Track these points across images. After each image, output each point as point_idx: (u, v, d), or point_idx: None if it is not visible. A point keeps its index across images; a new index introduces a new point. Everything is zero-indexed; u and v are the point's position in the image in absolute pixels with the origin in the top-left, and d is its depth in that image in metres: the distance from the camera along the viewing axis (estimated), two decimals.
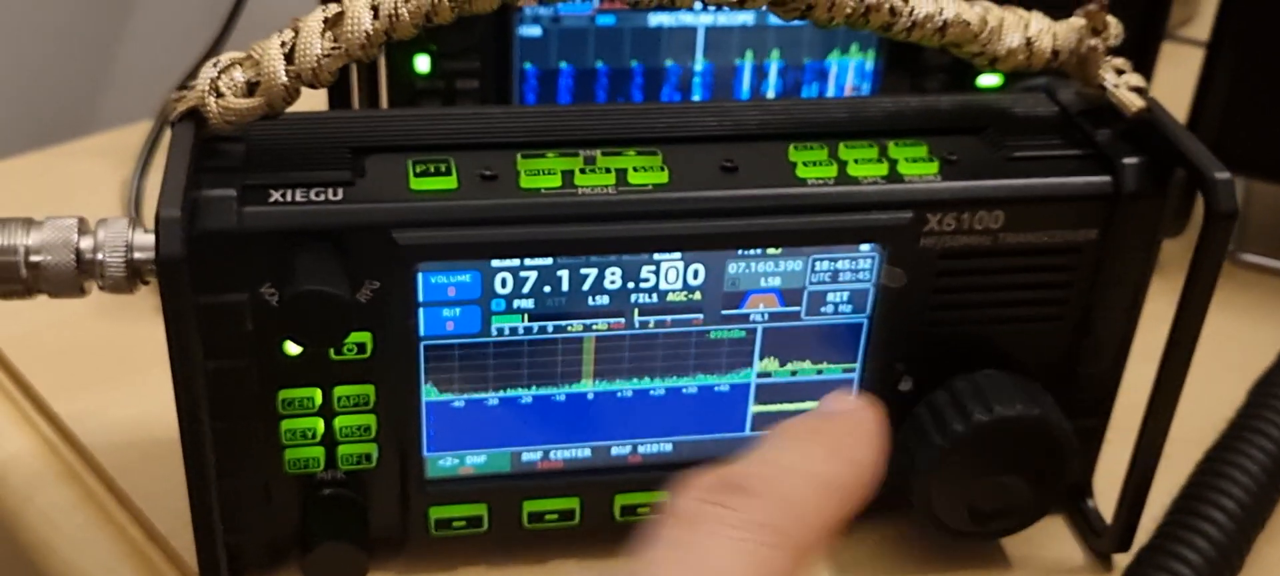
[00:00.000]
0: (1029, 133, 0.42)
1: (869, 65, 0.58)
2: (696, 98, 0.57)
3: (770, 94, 0.58)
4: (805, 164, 0.40)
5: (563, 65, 0.55)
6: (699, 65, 0.57)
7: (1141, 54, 0.59)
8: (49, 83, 0.83)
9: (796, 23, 0.56)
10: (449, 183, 0.38)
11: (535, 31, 0.55)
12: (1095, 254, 0.42)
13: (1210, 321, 0.49)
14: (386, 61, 0.54)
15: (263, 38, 0.38)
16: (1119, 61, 0.42)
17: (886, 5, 0.38)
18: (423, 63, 0.54)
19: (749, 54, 0.57)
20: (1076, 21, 0.41)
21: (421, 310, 0.39)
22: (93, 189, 0.64)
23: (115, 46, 0.85)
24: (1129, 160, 0.41)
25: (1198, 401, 0.46)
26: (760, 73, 0.57)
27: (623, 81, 0.56)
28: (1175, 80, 0.63)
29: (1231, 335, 0.56)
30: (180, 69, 0.69)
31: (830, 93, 0.58)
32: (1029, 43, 0.41)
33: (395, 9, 0.36)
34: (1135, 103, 0.41)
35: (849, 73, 0.58)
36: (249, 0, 0.69)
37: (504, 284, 0.39)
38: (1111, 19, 0.41)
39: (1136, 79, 0.42)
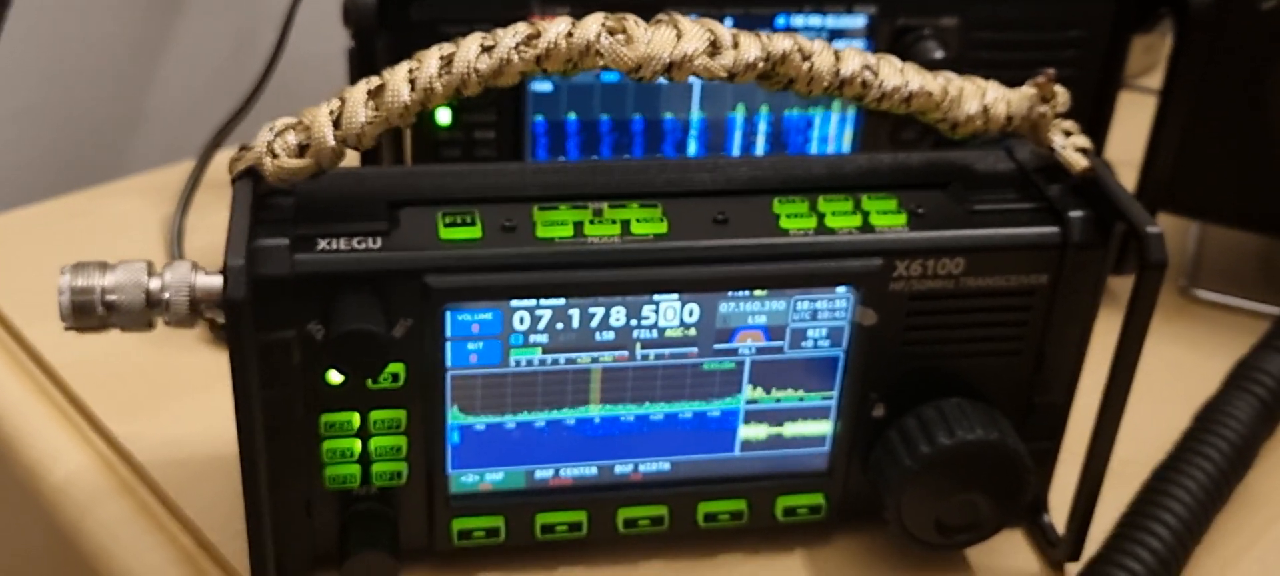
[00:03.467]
0: (988, 187, 0.48)
1: (850, 116, 0.63)
2: (693, 147, 0.63)
3: (760, 141, 0.63)
4: (788, 216, 0.45)
5: (570, 117, 0.61)
6: (695, 117, 0.62)
7: (1099, 107, 0.65)
8: (83, 125, 0.87)
9: None
10: (474, 232, 0.44)
11: (546, 87, 0.60)
12: (1047, 296, 0.47)
13: (1163, 352, 0.54)
14: None
15: (284, 87, 0.42)
16: (1067, 124, 0.47)
17: (858, 79, 0.44)
18: (444, 115, 0.59)
19: (741, 106, 0.62)
20: (1028, 90, 0.46)
21: (448, 344, 0.44)
22: (135, 227, 0.69)
23: (145, 89, 0.89)
24: (1076, 214, 0.46)
25: (1151, 425, 0.51)
26: (751, 123, 0.63)
27: (625, 132, 0.61)
28: (1137, 126, 0.68)
29: (1184, 365, 0.61)
30: (207, 110, 0.74)
31: (814, 140, 0.64)
32: (985, 110, 0.46)
33: (430, 83, 0.41)
34: (1080, 162, 0.46)
35: (832, 122, 0.63)
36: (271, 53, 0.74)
37: (522, 321, 0.44)
38: (1059, 88, 0.46)
39: (1082, 140, 0.47)
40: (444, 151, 0.60)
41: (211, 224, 0.68)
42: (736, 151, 0.63)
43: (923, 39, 0.60)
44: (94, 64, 0.86)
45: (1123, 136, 0.67)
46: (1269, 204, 0.65)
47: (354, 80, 0.57)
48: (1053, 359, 0.48)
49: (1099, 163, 0.47)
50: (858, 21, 0.61)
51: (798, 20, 0.60)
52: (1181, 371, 0.59)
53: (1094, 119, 0.65)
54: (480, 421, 0.46)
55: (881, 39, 0.61)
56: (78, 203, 0.72)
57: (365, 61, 0.56)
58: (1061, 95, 0.46)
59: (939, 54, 0.60)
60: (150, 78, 0.89)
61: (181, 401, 0.56)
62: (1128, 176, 0.67)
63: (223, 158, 0.73)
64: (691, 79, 0.60)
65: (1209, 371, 0.57)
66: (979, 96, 0.46)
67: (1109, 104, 0.65)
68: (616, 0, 0.58)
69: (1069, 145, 0.47)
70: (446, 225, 0.44)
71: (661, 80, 0.60)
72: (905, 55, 0.61)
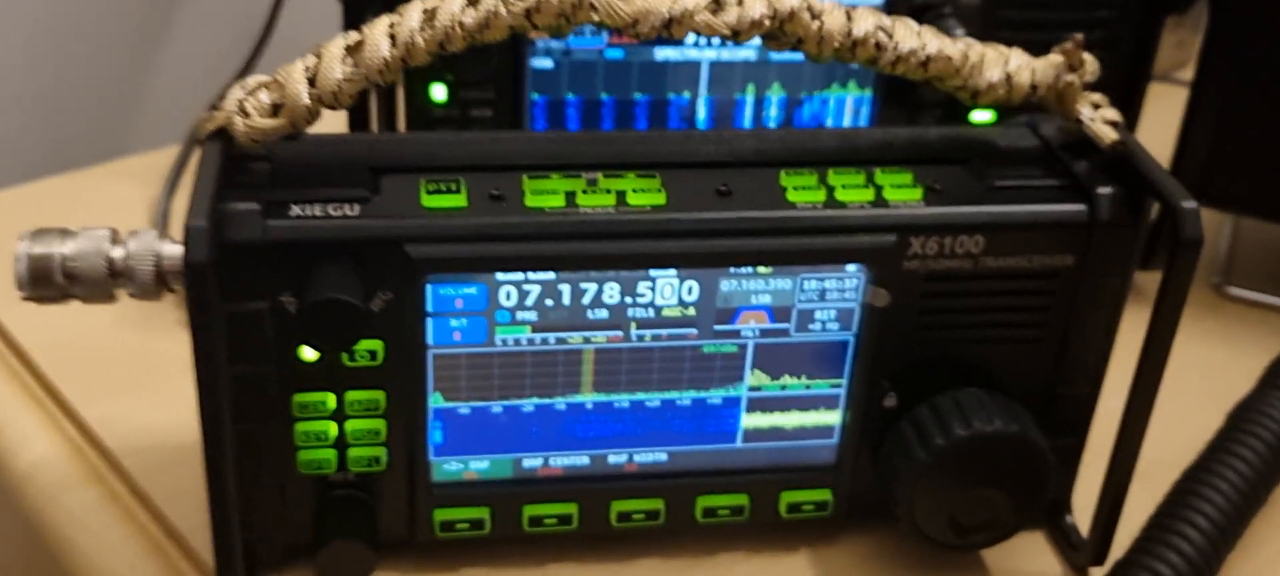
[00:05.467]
0: (1011, 163, 0.45)
1: (866, 101, 0.60)
2: (699, 128, 0.60)
3: (770, 126, 0.60)
4: (795, 189, 0.42)
5: (571, 96, 0.58)
6: (702, 97, 0.59)
7: (1128, 93, 0.62)
8: (81, 108, 0.86)
9: (794, 59, 0.59)
10: (459, 200, 0.41)
11: (547, 64, 0.57)
12: (1072, 279, 0.44)
13: (1195, 351, 0.50)
14: (405, 90, 0.57)
15: (288, 64, 0.40)
16: (1096, 97, 0.45)
17: (872, 40, 0.41)
18: (439, 92, 0.57)
19: (751, 88, 0.59)
20: (1054, 58, 0.43)
21: (430, 320, 0.41)
22: (122, 209, 0.67)
23: (146, 73, 0.88)
24: (1104, 190, 0.43)
25: (1181, 426, 0.48)
26: (760, 106, 0.60)
27: (628, 112, 0.59)
28: (1167, 120, 0.65)
29: (1215, 364, 0.58)
30: (208, 96, 0.72)
31: (827, 125, 0.61)
32: (1009, 77, 0.43)
33: (411, 37, 0.39)
34: (1109, 135, 0.43)
35: (846, 107, 0.60)
36: (275, 33, 0.72)
37: (508, 297, 0.42)
38: (1087, 56, 0.43)
39: (1112, 113, 0.44)
40: (438, 129, 0.57)
41: None
42: None
43: (943, 17, 0.57)
44: (90, 50, 0.85)
45: (1152, 130, 0.64)
46: None
47: None
48: (1078, 347, 0.45)
49: (1130, 137, 0.44)
50: None
51: None
52: (1213, 370, 0.57)
53: (1123, 107, 0.61)
54: (464, 405, 0.43)
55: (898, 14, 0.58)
56: (64, 184, 0.70)
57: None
58: (1090, 63, 0.43)
59: (960, 33, 0.57)
60: (148, 63, 0.87)
61: (157, 387, 0.53)
62: None
63: None
64: (699, 56, 0.58)
65: (1242, 371, 0.55)
66: (1001, 63, 0.43)
67: (1139, 91, 0.62)
68: None
69: (1098, 118, 0.44)
70: (429, 192, 0.41)
71: (666, 52, 0.58)
72: None
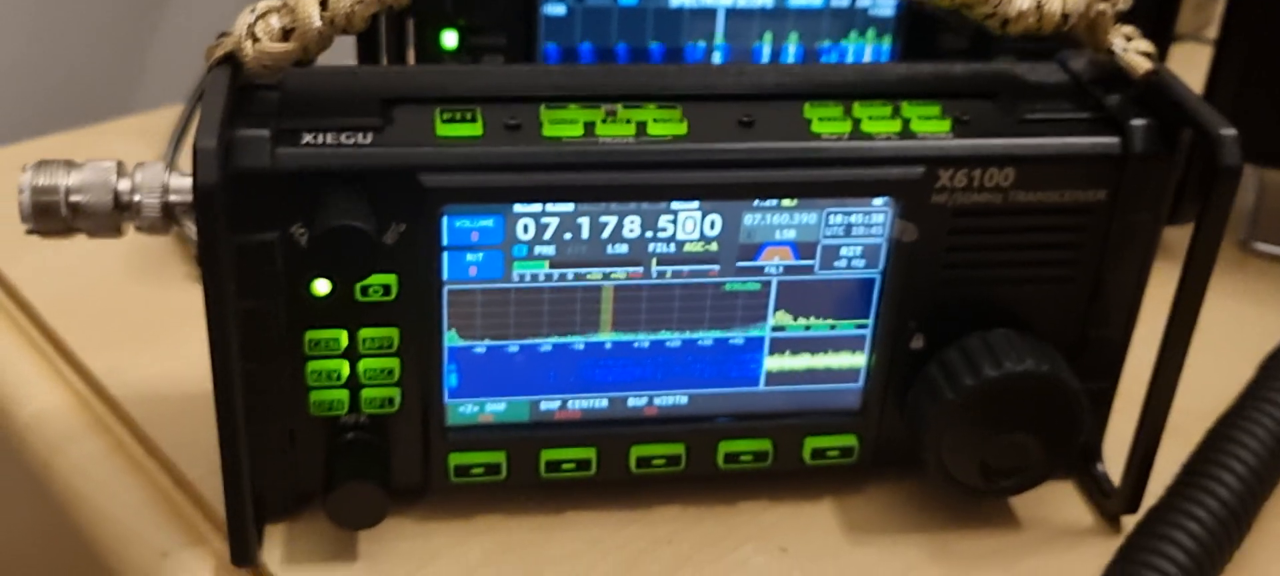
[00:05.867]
0: (1041, 97, 0.43)
1: (886, 49, 0.59)
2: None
3: None
4: (820, 120, 0.41)
5: (584, 44, 0.57)
6: (718, 47, 0.58)
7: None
8: (90, 68, 0.85)
9: (813, 5, 0.58)
10: (474, 130, 0.40)
11: (560, 10, 0.56)
12: (1105, 215, 0.43)
13: (1223, 307, 0.49)
14: (415, 37, 0.55)
15: None
16: (1128, 28, 0.43)
17: None
18: (450, 39, 0.55)
19: (768, 36, 0.58)
20: None
21: (445, 254, 0.40)
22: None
23: (153, 35, 0.87)
24: (1137, 122, 0.42)
25: (1210, 381, 0.47)
26: (778, 56, 0.58)
27: (642, 60, 0.57)
28: (1191, 81, 0.64)
29: (1244, 320, 0.57)
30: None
31: None
32: (1039, 6, 0.42)
33: None
34: (1142, 65, 0.42)
35: (866, 56, 0.59)
36: None
37: (526, 230, 0.40)
38: None
39: (1145, 44, 0.43)
40: None
41: None
42: None
43: None
44: (89, 15, 0.83)
45: None
46: None
47: None
48: (1110, 287, 0.44)
49: (1163, 66, 0.42)
50: None
51: None
52: (1241, 325, 0.56)
53: None
54: (480, 344, 0.42)
55: None
56: (67, 141, 0.69)
57: None
58: None
59: None
60: (159, 21, 0.86)
61: (165, 338, 0.52)
62: None
63: None
64: (716, 3, 0.57)
65: (1270, 326, 0.54)
66: None
67: (1162, 50, 0.60)
68: None
69: (1130, 49, 0.42)
70: (444, 122, 0.40)
71: (679, 3, 0.56)
72: None
